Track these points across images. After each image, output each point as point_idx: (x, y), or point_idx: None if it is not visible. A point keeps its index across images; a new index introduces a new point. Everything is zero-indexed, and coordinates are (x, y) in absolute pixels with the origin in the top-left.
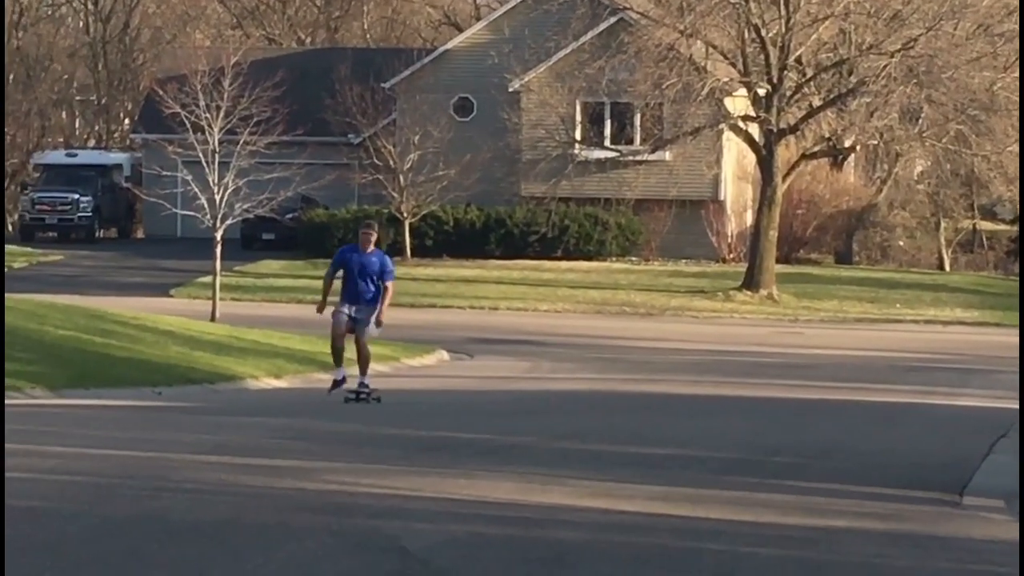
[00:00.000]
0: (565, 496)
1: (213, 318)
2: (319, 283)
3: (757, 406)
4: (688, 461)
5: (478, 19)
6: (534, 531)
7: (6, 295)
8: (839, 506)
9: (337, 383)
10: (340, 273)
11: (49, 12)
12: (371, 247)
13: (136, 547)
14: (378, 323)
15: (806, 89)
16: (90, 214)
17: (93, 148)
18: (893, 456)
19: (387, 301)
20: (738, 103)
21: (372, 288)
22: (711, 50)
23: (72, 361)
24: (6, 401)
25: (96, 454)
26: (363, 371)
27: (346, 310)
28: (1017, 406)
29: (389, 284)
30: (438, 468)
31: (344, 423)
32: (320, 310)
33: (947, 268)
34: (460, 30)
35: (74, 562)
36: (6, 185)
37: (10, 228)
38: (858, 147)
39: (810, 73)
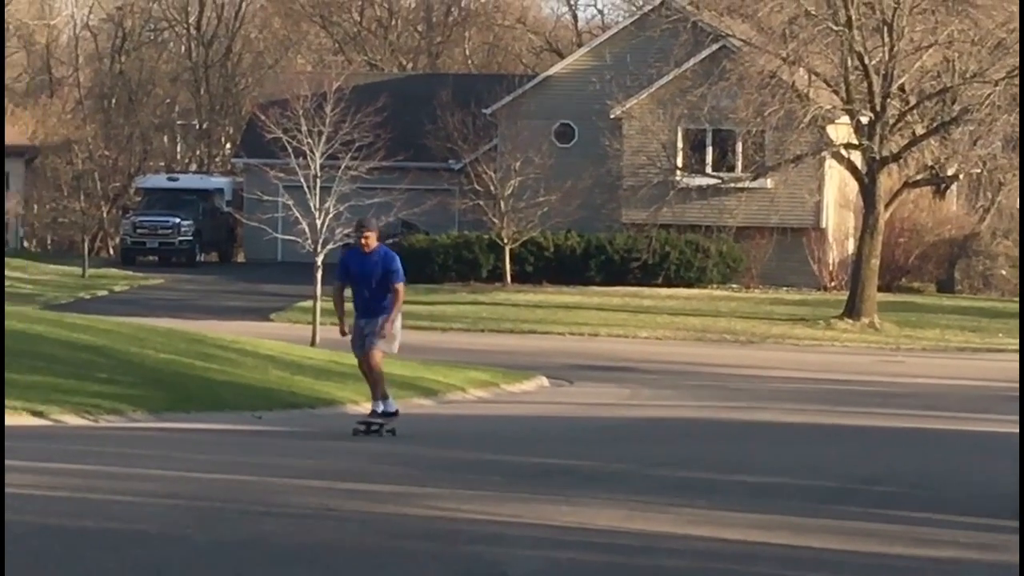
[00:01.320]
0: (667, 524)
1: (313, 343)
2: (420, 308)
3: (857, 434)
4: (788, 489)
5: (580, 45)
6: (636, 558)
7: (107, 317)
8: (943, 536)
9: (386, 414)
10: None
11: (152, 37)
12: (371, 247)
13: (240, 571)
14: (382, 334)
15: (909, 117)
16: (191, 238)
17: (194, 172)
18: (995, 486)
19: (396, 309)
20: (840, 131)
21: (380, 295)
22: (814, 77)
23: (173, 385)
24: (110, 424)
25: (198, 478)
26: (374, 395)
27: (361, 326)
28: None
29: (398, 286)
30: (539, 495)
31: (445, 449)
32: (343, 332)
33: None
34: (561, 56)
35: None
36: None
37: (111, 251)
38: (961, 175)
39: (913, 101)
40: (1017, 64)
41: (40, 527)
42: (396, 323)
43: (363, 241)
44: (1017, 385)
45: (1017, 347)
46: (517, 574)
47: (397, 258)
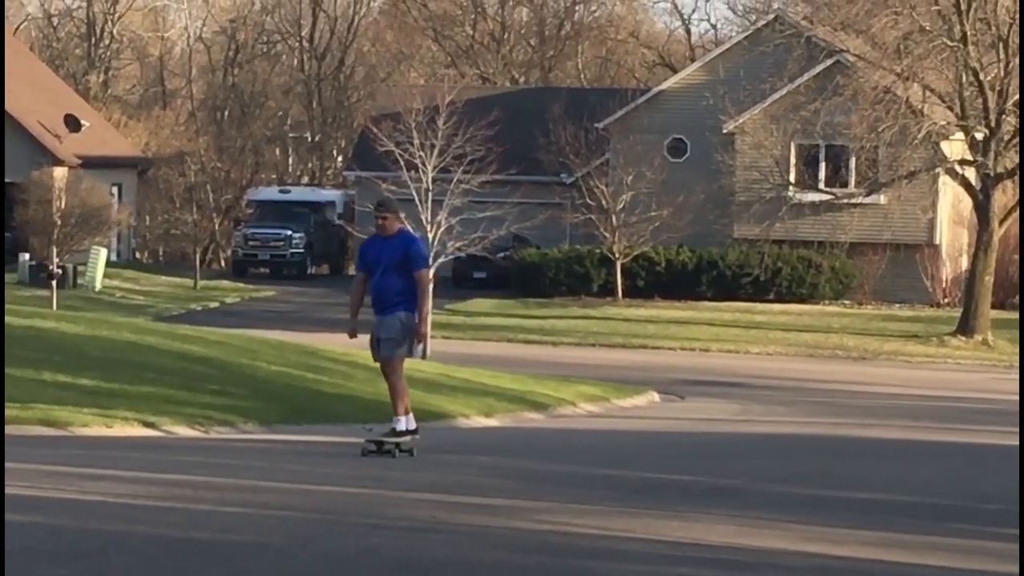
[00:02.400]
0: (779, 540)
1: (424, 356)
2: (531, 323)
3: (969, 452)
4: (901, 506)
5: (693, 60)
6: (747, 575)
7: (219, 329)
8: None
9: (404, 433)
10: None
11: (265, 49)
12: (391, 231)
13: None
14: (418, 337)
15: None
16: (302, 251)
17: (306, 185)
18: None
19: (426, 301)
20: (955, 147)
21: (398, 285)
22: (928, 93)
23: (284, 397)
24: (221, 436)
25: (310, 490)
26: (394, 409)
27: (375, 325)
28: None
29: (421, 274)
30: (651, 509)
31: (556, 463)
32: (351, 333)
33: None
34: (674, 71)
35: None
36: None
37: (223, 263)
38: None
39: None
40: None
41: (152, 538)
42: (423, 322)
43: (381, 223)
44: None
45: None
46: None
47: (420, 242)
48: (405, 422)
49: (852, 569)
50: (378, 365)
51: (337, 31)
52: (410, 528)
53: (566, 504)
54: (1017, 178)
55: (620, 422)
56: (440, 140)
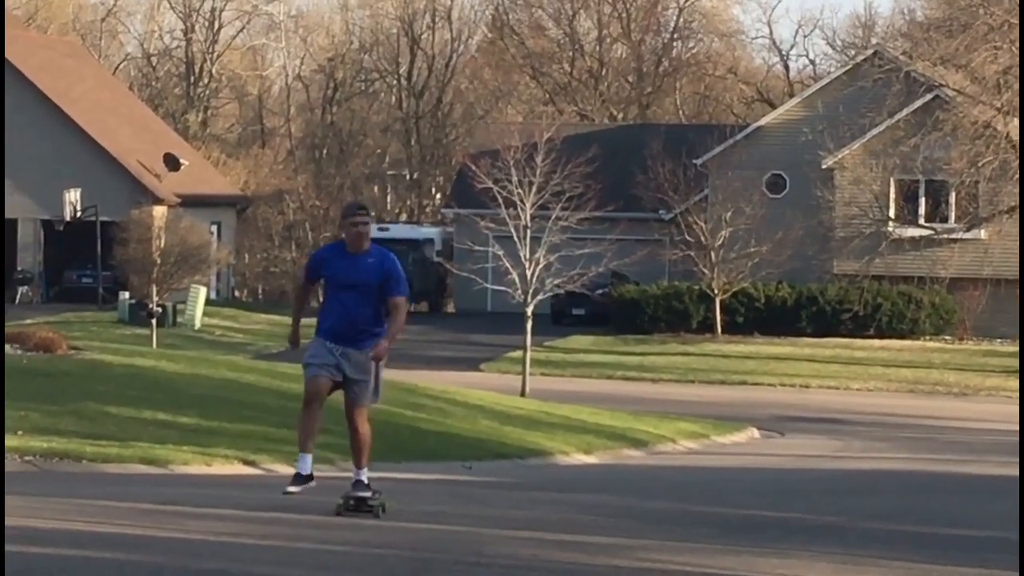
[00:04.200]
0: None
1: (523, 393)
2: (630, 359)
3: None
4: (1007, 544)
5: (791, 95)
6: None
7: None
8: None
9: (301, 478)
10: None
11: (363, 88)
12: (366, 244)
13: None
14: (375, 350)
15: None
16: None
17: (405, 222)
18: None
19: (397, 327)
20: None
21: (370, 312)
22: None
23: (383, 434)
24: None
25: (409, 527)
26: (359, 461)
27: (328, 354)
28: None
29: (399, 301)
30: (751, 546)
31: (655, 500)
32: (293, 342)
33: None
34: (773, 106)
35: None
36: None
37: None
38: None
39: None
40: None
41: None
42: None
43: (358, 230)
44: None
45: None
46: None
47: (398, 261)
48: (365, 474)
49: None
50: (305, 392)
51: (435, 69)
52: (510, 566)
53: (666, 542)
54: None
55: (720, 459)
56: (539, 177)
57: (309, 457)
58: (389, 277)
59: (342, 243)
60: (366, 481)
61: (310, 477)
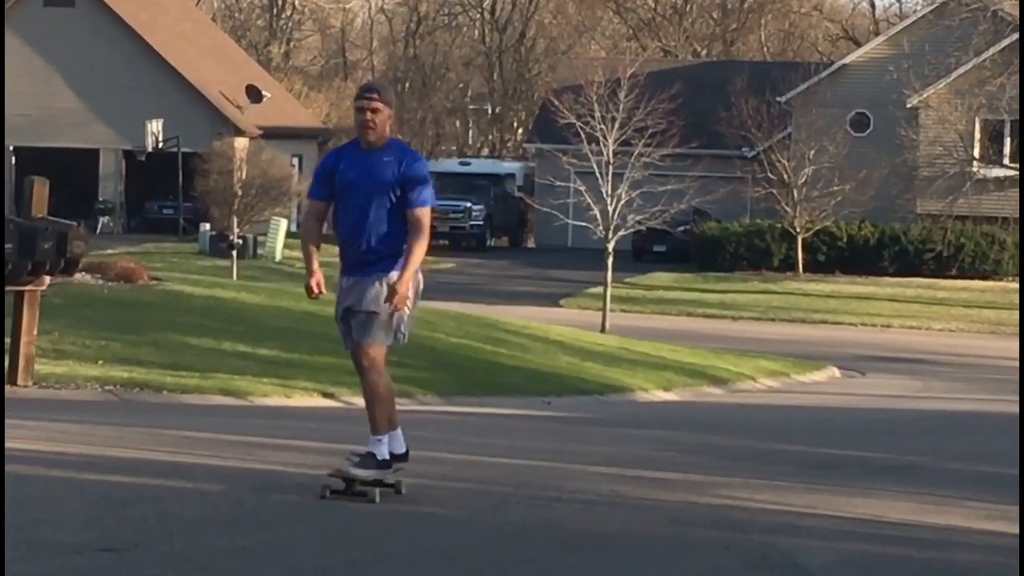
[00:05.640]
0: (961, 518)
1: (603, 329)
2: (711, 297)
3: None
4: None
5: (877, 34)
6: (928, 552)
7: None
8: None
9: (383, 462)
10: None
11: (446, 21)
12: (377, 136)
13: (531, 556)
14: (390, 297)
15: None
16: (482, 223)
17: (486, 157)
18: None
19: (416, 256)
20: None
21: (383, 227)
22: None
23: (463, 368)
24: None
25: (488, 462)
26: (375, 424)
27: (345, 289)
28: None
29: (420, 213)
30: (832, 485)
31: (735, 438)
32: (310, 288)
33: None
34: (858, 44)
35: (471, 569)
36: None
37: None
38: None
39: None
40: None
41: (331, 508)
42: (412, 283)
43: (368, 117)
44: None
45: None
46: (810, 565)
47: (424, 162)
48: (388, 444)
49: None
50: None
51: (519, 3)
52: (589, 501)
53: (746, 479)
54: None
55: (800, 397)
56: (621, 113)
57: (395, 432)
58: (407, 179)
59: (356, 142)
60: (378, 455)
61: (405, 456)
